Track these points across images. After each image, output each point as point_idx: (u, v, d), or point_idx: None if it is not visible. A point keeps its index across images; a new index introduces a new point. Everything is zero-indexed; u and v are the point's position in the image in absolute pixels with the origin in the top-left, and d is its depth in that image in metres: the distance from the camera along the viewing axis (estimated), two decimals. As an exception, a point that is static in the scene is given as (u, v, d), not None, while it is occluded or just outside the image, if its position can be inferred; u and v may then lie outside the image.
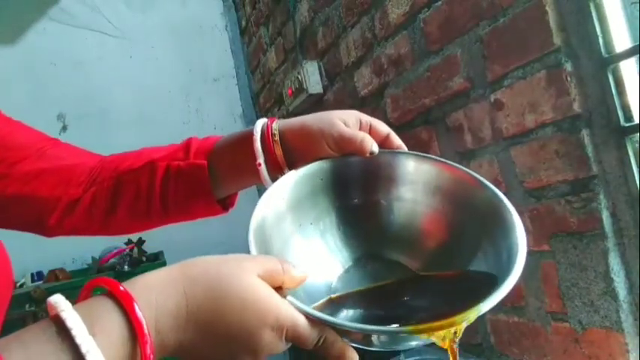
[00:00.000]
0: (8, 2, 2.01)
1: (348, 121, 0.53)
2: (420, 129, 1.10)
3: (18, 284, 1.75)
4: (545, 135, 0.79)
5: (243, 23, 2.29)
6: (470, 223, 0.49)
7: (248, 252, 0.42)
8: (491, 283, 0.40)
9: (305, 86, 1.53)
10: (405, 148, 0.55)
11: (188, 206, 0.60)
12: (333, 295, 0.47)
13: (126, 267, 1.69)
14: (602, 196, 0.73)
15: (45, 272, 1.81)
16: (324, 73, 1.53)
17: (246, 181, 0.58)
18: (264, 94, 2.15)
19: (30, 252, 1.84)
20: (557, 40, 0.75)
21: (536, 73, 0.79)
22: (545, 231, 0.81)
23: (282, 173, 0.53)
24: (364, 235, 0.53)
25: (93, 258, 1.84)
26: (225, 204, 0.62)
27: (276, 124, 0.55)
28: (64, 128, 2.08)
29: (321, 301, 0.46)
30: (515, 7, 0.80)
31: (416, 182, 0.53)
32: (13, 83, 2.00)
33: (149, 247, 1.88)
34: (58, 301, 0.32)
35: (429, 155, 0.54)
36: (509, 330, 0.93)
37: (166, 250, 1.94)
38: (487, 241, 0.47)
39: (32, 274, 1.80)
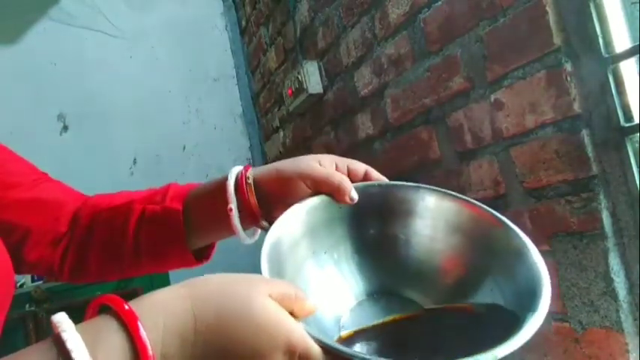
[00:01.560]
0: (8, 2, 2.01)
1: (323, 162, 0.52)
2: (420, 129, 1.10)
3: (18, 284, 1.75)
4: (545, 135, 0.79)
5: (243, 23, 2.29)
6: (490, 264, 0.48)
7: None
8: (508, 320, 0.40)
9: (305, 86, 1.53)
10: (385, 180, 0.54)
11: (161, 252, 0.57)
12: (343, 334, 0.46)
13: (126, 267, 1.69)
14: (602, 196, 0.73)
15: (45, 272, 1.81)
16: (324, 73, 1.53)
17: (221, 230, 0.56)
18: (264, 94, 2.15)
19: (30, 252, 1.84)
20: (557, 40, 0.75)
21: (536, 73, 0.79)
22: (545, 231, 0.81)
23: (257, 222, 0.53)
24: (379, 268, 0.52)
25: (93, 258, 1.84)
26: (201, 256, 0.59)
27: (251, 171, 0.54)
28: (65, 128, 2.08)
29: (334, 338, 0.45)
30: (515, 7, 0.80)
31: (436, 219, 0.52)
32: (14, 83, 2.00)
33: (149, 247, 1.88)
34: (61, 321, 0.31)
35: (450, 192, 0.52)
36: (509, 330, 0.93)
37: (166, 250, 1.94)
38: (507, 283, 0.45)
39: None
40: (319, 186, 0.51)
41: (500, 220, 0.49)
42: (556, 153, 0.78)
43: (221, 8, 2.39)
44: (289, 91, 1.67)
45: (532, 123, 0.81)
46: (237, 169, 0.54)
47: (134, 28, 2.21)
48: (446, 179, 1.04)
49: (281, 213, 0.49)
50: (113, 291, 1.66)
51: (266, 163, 2.50)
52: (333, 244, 0.51)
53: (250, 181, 0.53)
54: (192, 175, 2.21)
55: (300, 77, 1.56)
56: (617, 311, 0.72)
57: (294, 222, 0.48)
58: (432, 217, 0.52)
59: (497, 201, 0.90)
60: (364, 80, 1.30)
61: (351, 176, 0.53)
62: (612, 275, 0.72)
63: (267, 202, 0.53)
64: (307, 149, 1.77)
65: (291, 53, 1.74)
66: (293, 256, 0.47)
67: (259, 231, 0.57)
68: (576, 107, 0.74)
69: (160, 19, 2.25)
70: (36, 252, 0.57)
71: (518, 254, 0.45)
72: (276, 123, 2.06)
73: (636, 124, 0.70)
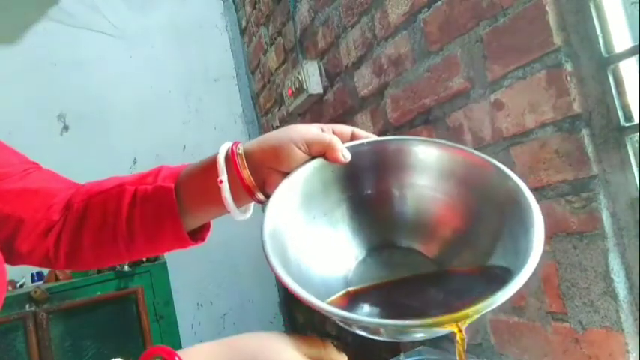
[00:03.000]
0: (8, 2, 2.01)
1: (310, 128, 0.53)
2: (420, 129, 1.10)
3: (18, 284, 1.76)
4: (545, 135, 0.79)
5: (244, 23, 2.29)
6: (488, 211, 0.48)
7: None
8: (506, 279, 0.40)
9: (305, 86, 1.53)
10: (374, 137, 0.54)
11: (155, 230, 0.57)
12: (350, 289, 0.47)
13: (126, 267, 1.69)
14: (602, 196, 0.73)
15: (45, 272, 1.81)
16: (324, 73, 1.53)
17: (213, 206, 0.55)
18: (264, 94, 2.15)
19: (30, 252, 1.84)
20: (557, 40, 0.75)
21: (536, 73, 0.79)
22: (545, 231, 0.81)
23: (252, 195, 0.52)
24: (378, 224, 0.52)
25: (93, 258, 1.84)
26: (196, 237, 0.59)
27: (241, 145, 0.54)
28: (66, 128, 2.08)
29: (339, 293, 0.46)
30: (515, 7, 0.80)
31: (429, 168, 0.52)
32: (14, 83, 2.00)
33: (149, 247, 1.88)
34: None
35: (439, 140, 0.53)
36: (509, 330, 0.93)
37: (166, 250, 1.94)
38: (506, 233, 0.45)
39: (32, 274, 1.80)
40: (311, 146, 0.51)
41: (492, 163, 0.49)
42: (556, 153, 0.78)
43: (221, 8, 2.39)
44: (289, 91, 1.67)
45: (532, 123, 0.81)
46: (227, 145, 0.54)
47: (134, 28, 2.21)
48: (446, 179, 1.04)
49: (275, 182, 0.50)
50: (114, 291, 1.66)
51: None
52: (330, 208, 0.52)
53: (241, 151, 0.53)
54: (193, 175, 2.22)
55: (300, 77, 1.56)
56: (617, 311, 0.72)
57: (291, 193, 0.49)
58: (425, 167, 0.52)
59: (497, 201, 0.90)
60: (364, 80, 1.30)
61: (338, 136, 0.53)
62: (612, 275, 0.72)
63: (259, 173, 0.52)
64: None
65: (291, 53, 1.74)
66: (294, 229, 0.48)
67: (251, 209, 0.57)
68: (576, 107, 0.74)
69: (160, 19, 2.25)
70: (29, 242, 0.57)
71: (513, 197, 0.46)
72: (276, 123, 2.06)
73: (636, 124, 0.70)
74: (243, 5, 2.24)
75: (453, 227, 0.50)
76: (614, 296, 0.72)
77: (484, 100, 0.90)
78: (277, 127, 2.05)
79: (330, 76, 1.49)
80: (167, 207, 0.55)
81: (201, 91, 2.29)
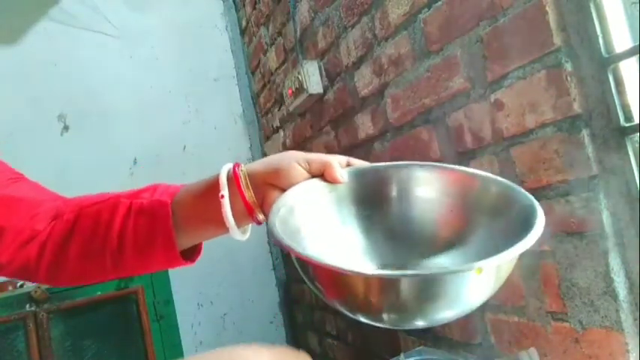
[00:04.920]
0: (8, 2, 2.01)
1: (309, 152, 0.55)
2: (421, 129, 1.10)
3: (18, 284, 1.76)
4: (546, 135, 0.79)
5: (244, 23, 2.29)
6: (485, 220, 0.51)
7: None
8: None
9: (305, 86, 1.53)
10: (357, 163, 0.57)
11: (146, 246, 0.56)
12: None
13: (126, 267, 1.69)
14: (602, 196, 0.73)
15: (45, 272, 1.81)
16: (324, 73, 1.53)
17: (211, 226, 0.56)
18: (265, 94, 2.15)
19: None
20: (557, 40, 0.75)
21: (536, 73, 0.79)
22: (546, 231, 0.81)
23: (252, 215, 0.53)
24: (388, 243, 0.54)
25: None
26: (186, 258, 0.58)
27: (243, 165, 0.55)
28: (66, 128, 2.08)
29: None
30: (516, 7, 0.80)
31: (428, 190, 0.55)
32: (14, 84, 2.00)
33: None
34: None
35: (434, 164, 0.56)
36: (509, 330, 0.93)
37: (167, 250, 1.94)
38: (510, 234, 0.46)
39: (33, 274, 1.80)
40: (312, 164, 0.53)
41: (478, 176, 0.54)
42: (556, 153, 0.78)
43: (221, 8, 2.39)
44: (289, 91, 1.67)
45: (532, 123, 0.81)
46: (228, 165, 0.55)
47: (134, 28, 2.21)
48: (446, 179, 1.04)
49: (275, 200, 0.51)
50: (114, 291, 1.66)
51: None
52: (342, 221, 0.54)
53: (244, 169, 0.54)
54: (193, 175, 2.19)
55: (300, 77, 1.56)
56: (617, 311, 0.72)
57: (304, 193, 0.51)
58: (424, 190, 0.55)
59: (498, 201, 0.90)
60: (364, 80, 1.30)
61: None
62: (612, 275, 0.72)
63: (260, 191, 0.53)
64: (307, 149, 1.77)
65: (292, 53, 1.74)
66: (312, 216, 0.51)
67: (249, 231, 0.57)
68: (576, 107, 0.74)
69: (160, 19, 2.25)
70: (9, 251, 0.55)
71: (508, 202, 0.50)
72: (277, 123, 2.06)
73: (636, 124, 0.70)
74: (244, 5, 2.24)
75: (455, 241, 0.52)
76: (615, 296, 0.72)
77: (484, 101, 0.90)
78: (277, 127, 2.05)
79: (330, 76, 1.49)
80: (162, 221, 0.55)
81: (201, 91, 2.29)
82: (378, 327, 0.43)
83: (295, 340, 2.20)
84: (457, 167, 0.55)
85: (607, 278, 0.73)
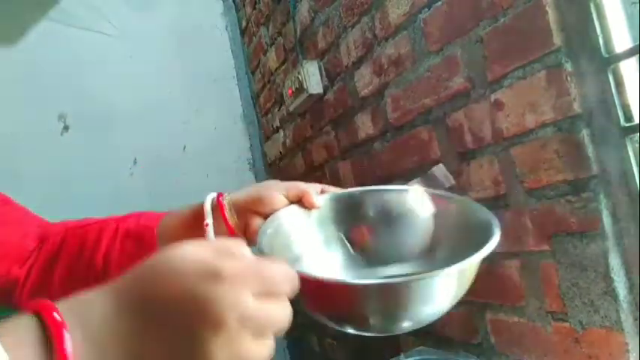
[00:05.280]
0: (8, 3, 2.01)
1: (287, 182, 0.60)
2: (421, 129, 1.10)
3: (18, 284, 1.75)
4: (546, 135, 0.79)
5: (244, 23, 2.29)
6: (450, 234, 0.57)
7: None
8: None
9: (305, 86, 1.53)
10: (332, 190, 0.62)
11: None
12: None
13: (126, 267, 1.69)
14: (602, 196, 0.73)
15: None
16: (324, 73, 1.53)
17: None
18: (265, 95, 2.16)
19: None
20: (557, 40, 0.75)
21: (536, 73, 0.79)
22: (546, 231, 0.81)
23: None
24: (370, 260, 0.58)
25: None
26: None
27: (227, 194, 0.59)
28: (66, 128, 2.08)
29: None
30: (516, 7, 0.80)
31: (402, 212, 0.61)
32: (14, 84, 2.00)
33: (149, 247, 1.88)
34: None
35: (404, 187, 0.62)
36: (509, 330, 0.93)
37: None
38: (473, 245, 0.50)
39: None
40: (290, 191, 0.58)
41: (442, 196, 0.60)
42: (556, 153, 0.78)
43: (221, 8, 2.39)
44: (289, 91, 1.67)
45: (532, 123, 0.81)
46: (212, 194, 0.59)
47: (134, 28, 2.21)
48: (446, 179, 1.04)
49: (257, 226, 0.55)
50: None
51: (266, 164, 2.49)
52: (324, 241, 0.59)
53: (228, 198, 0.58)
54: (192, 175, 2.21)
55: (300, 77, 1.56)
56: (617, 311, 0.72)
57: (284, 220, 0.56)
58: (396, 211, 0.61)
59: (498, 201, 0.90)
60: (364, 80, 1.30)
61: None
62: (612, 275, 0.72)
63: (242, 218, 0.57)
64: (307, 149, 1.77)
65: (292, 53, 1.74)
66: (299, 235, 0.56)
67: None
68: (576, 107, 0.74)
69: (160, 19, 2.25)
70: (1, 268, 0.55)
71: (468, 216, 0.55)
72: (277, 123, 2.06)
73: (636, 124, 0.70)
74: (244, 5, 2.24)
75: (430, 256, 0.57)
76: (615, 296, 0.72)
77: (484, 100, 0.90)
78: (277, 127, 2.05)
79: (331, 76, 1.49)
80: (148, 245, 0.57)
81: (201, 91, 2.29)
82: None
83: (295, 340, 2.20)
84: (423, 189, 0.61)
85: (607, 278, 0.73)
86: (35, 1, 2.08)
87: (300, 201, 0.58)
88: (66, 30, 2.10)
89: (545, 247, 0.82)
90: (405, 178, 1.19)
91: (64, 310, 0.29)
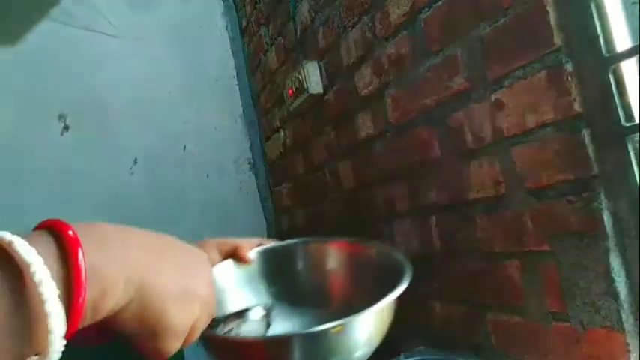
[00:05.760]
0: (9, 3, 2.01)
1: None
2: (421, 129, 1.10)
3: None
4: (546, 135, 0.79)
5: (244, 23, 2.29)
6: (369, 279, 0.62)
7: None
8: None
9: (305, 86, 1.53)
10: (267, 243, 0.67)
11: None
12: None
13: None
14: (602, 196, 0.73)
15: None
16: (324, 73, 1.53)
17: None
18: (265, 94, 2.15)
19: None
20: (557, 40, 0.75)
21: (536, 73, 0.79)
22: (546, 231, 0.81)
23: None
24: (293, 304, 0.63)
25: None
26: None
27: None
28: (66, 128, 2.08)
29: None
30: (516, 7, 0.80)
31: (320, 260, 0.66)
32: (14, 84, 2.00)
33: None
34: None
35: (322, 238, 0.68)
36: (509, 330, 0.93)
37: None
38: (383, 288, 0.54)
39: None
40: (223, 246, 0.62)
41: (361, 243, 0.66)
42: (556, 153, 0.78)
43: (221, 8, 2.39)
44: (290, 91, 1.67)
45: (532, 123, 0.81)
46: None
47: (134, 28, 2.20)
48: (446, 179, 1.04)
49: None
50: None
51: (266, 163, 2.48)
52: (254, 295, 0.63)
53: None
54: (193, 175, 2.22)
55: (300, 77, 1.56)
56: (618, 311, 0.72)
57: (220, 274, 0.61)
58: (322, 261, 0.66)
59: (498, 201, 0.90)
60: (365, 80, 1.30)
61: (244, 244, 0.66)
62: (613, 275, 0.72)
63: None
64: (307, 149, 1.77)
65: (292, 53, 1.74)
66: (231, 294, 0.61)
67: None
68: (577, 107, 0.74)
69: (160, 19, 2.25)
70: None
71: (385, 262, 0.59)
72: (277, 123, 2.06)
73: (637, 124, 0.70)
74: (244, 5, 2.24)
75: (353, 301, 0.61)
76: (615, 296, 0.72)
77: (484, 100, 0.90)
78: (278, 127, 2.05)
79: (331, 76, 1.49)
80: None
81: (201, 91, 2.29)
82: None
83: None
84: (344, 239, 0.67)
85: (608, 278, 0.73)
86: (36, 1, 2.08)
87: (233, 256, 0.63)
88: (66, 30, 2.10)
89: (546, 247, 0.82)
90: (405, 178, 1.19)
91: (78, 228, 0.32)
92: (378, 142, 1.28)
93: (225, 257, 0.63)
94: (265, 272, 0.65)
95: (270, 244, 0.67)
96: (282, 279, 0.65)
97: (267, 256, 0.66)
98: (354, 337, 0.48)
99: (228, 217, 2.20)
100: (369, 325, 0.49)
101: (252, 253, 0.65)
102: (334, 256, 0.66)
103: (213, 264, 0.60)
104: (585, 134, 0.73)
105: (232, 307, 0.58)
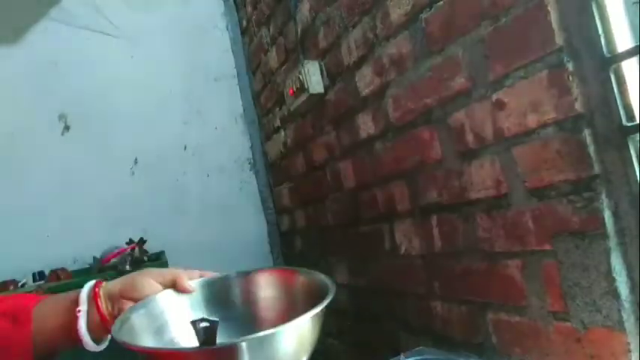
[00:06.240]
0: (9, 2, 2.01)
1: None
2: (422, 129, 1.10)
3: (20, 284, 1.76)
4: (547, 135, 0.79)
5: (244, 23, 2.29)
6: (300, 301, 0.67)
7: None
8: None
9: (306, 86, 1.53)
10: (208, 275, 0.72)
11: (2, 351, 0.60)
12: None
13: (127, 266, 1.69)
14: (604, 196, 0.73)
15: (47, 272, 1.81)
16: (325, 73, 1.53)
17: (67, 338, 0.62)
18: (265, 94, 2.15)
19: (32, 252, 1.84)
20: (559, 39, 0.75)
21: (537, 73, 0.79)
22: (547, 231, 0.81)
23: (106, 325, 0.62)
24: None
25: (94, 258, 1.84)
26: None
27: (105, 282, 0.65)
28: (67, 128, 2.08)
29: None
30: (517, 6, 0.80)
31: (256, 287, 0.73)
32: (15, 84, 2.00)
33: (150, 247, 1.88)
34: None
35: (260, 268, 0.74)
36: (510, 329, 0.93)
37: (168, 250, 1.95)
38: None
39: (34, 274, 1.80)
40: (164, 276, 0.65)
41: (293, 270, 0.72)
42: (558, 153, 0.78)
43: (222, 8, 2.39)
44: (290, 91, 1.67)
45: (534, 123, 0.81)
46: (90, 282, 0.65)
47: (135, 28, 2.21)
48: (447, 179, 1.04)
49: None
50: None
51: (267, 163, 2.48)
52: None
53: (104, 285, 0.64)
54: (193, 175, 2.22)
55: (301, 77, 1.56)
56: (619, 311, 0.72)
57: (161, 302, 0.65)
58: (260, 289, 0.73)
59: (499, 201, 0.90)
60: (365, 80, 1.30)
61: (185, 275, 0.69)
62: (614, 275, 0.72)
63: (117, 304, 0.63)
64: (308, 149, 1.77)
65: (292, 53, 1.74)
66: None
67: (107, 341, 0.66)
68: (578, 107, 0.74)
69: (161, 18, 2.25)
70: None
71: (314, 286, 0.65)
72: (277, 123, 2.06)
73: (638, 124, 0.70)
74: (244, 5, 2.24)
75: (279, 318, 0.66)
76: (616, 296, 0.72)
77: (486, 100, 0.90)
78: (278, 127, 2.05)
79: (332, 76, 1.49)
80: (22, 323, 0.60)
81: (202, 91, 2.29)
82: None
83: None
84: (278, 267, 0.75)
85: (609, 278, 0.73)
86: (36, 1, 2.08)
87: (173, 286, 0.66)
88: (66, 30, 2.10)
89: (547, 247, 0.82)
90: (406, 177, 1.19)
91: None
92: (378, 142, 1.28)
93: (167, 287, 0.66)
94: (205, 301, 0.70)
95: (210, 275, 0.72)
96: (222, 308, 0.70)
97: (208, 287, 0.71)
98: (276, 349, 0.53)
99: (229, 217, 2.20)
100: (289, 340, 0.54)
101: (193, 284, 0.69)
102: (272, 284, 0.73)
103: (150, 294, 0.63)
104: (586, 134, 0.73)
105: (175, 332, 0.63)
